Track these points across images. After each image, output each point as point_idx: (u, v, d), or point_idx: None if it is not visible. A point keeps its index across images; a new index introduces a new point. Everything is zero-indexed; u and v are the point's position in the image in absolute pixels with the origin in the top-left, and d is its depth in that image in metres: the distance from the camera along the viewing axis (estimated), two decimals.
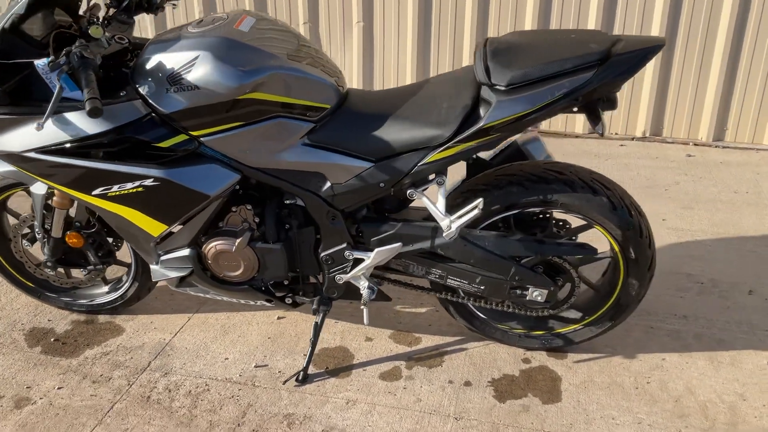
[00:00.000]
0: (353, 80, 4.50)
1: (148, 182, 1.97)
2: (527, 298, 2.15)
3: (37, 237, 2.36)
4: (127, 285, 2.51)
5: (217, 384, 2.26)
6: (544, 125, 4.36)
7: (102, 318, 2.61)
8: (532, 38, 1.96)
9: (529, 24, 4.11)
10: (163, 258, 2.20)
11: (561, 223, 2.19)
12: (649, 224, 2.14)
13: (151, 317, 2.60)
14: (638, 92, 4.13)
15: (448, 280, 2.17)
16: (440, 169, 1.98)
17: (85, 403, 2.19)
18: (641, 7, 3.93)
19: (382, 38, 4.40)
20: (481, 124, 1.87)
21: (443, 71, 4.37)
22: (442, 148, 1.93)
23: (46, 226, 2.34)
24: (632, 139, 4.25)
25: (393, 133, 1.97)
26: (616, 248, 2.10)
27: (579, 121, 4.29)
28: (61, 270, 2.48)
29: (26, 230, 2.43)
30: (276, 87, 1.90)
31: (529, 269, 2.10)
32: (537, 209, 2.09)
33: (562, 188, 2.02)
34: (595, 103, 1.91)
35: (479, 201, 1.96)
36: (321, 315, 2.28)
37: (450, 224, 1.98)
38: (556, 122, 4.33)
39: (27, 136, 1.96)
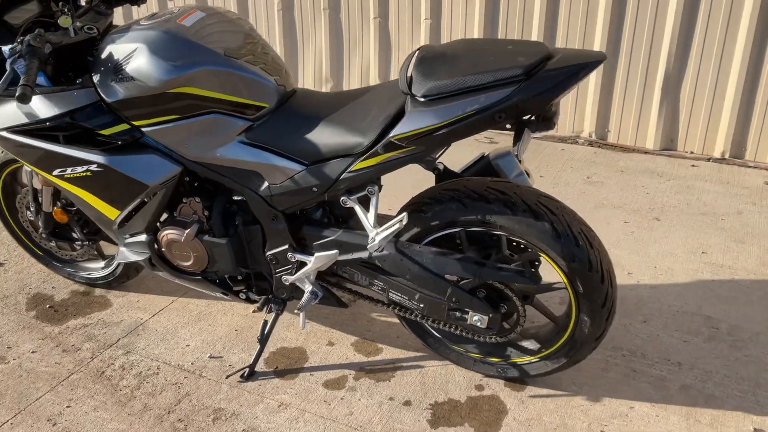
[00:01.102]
0: None
1: (93, 167, 2.04)
2: (467, 322, 2.02)
3: (30, 210, 2.53)
4: (115, 263, 2.62)
5: (167, 369, 2.32)
6: (612, 137, 4.06)
7: (98, 291, 2.76)
8: (465, 48, 1.82)
9: (599, 28, 3.83)
10: (127, 240, 2.28)
11: (522, 246, 2.03)
12: (606, 257, 1.93)
13: (139, 296, 2.71)
14: (719, 108, 3.73)
15: (390, 294, 2.08)
16: (370, 177, 1.90)
17: (48, 370, 2.32)
18: (727, 8, 3.54)
19: (449, 36, 4.29)
20: (389, 135, 1.77)
21: None
22: (363, 158, 1.85)
23: (39, 200, 2.50)
24: (708, 159, 3.85)
25: (324, 137, 1.91)
26: (564, 280, 1.92)
27: (650, 136, 3.94)
28: (59, 242, 2.64)
29: (27, 202, 2.61)
30: (209, 83, 1.90)
31: (467, 292, 1.97)
32: (479, 229, 1.95)
33: (502, 209, 1.87)
34: (526, 121, 1.74)
35: (403, 215, 1.86)
36: (273, 314, 2.27)
37: (375, 236, 1.89)
38: (625, 136, 4.01)
39: (1, 117, 2.10)
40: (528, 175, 2.09)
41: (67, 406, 2.16)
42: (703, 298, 2.62)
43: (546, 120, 1.75)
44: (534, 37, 4.01)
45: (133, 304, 2.67)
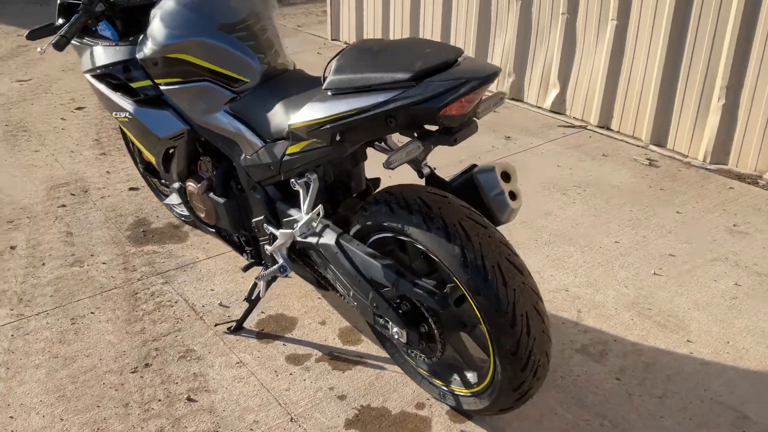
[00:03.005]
0: (600, 80, 4.05)
1: (128, 114, 2.34)
2: (389, 332, 1.94)
3: (130, 147, 2.96)
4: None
5: (181, 305, 2.59)
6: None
7: (186, 228, 3.14)
8: (393, 46, 1.71)
9: None
10: (171, 185, 2.58)
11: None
12: (528, 301, 1.69)
13: (211, 239, 3.03)
14: None
15: (337, 285, 2.08)
16: (303, 164, 1.90)
17: (102, 280, 2.75)
18: None
19: (634, 39, 3.87)
20: (287, 124, 1.75)
21: (695, 80, 3.68)
22: (290, 143, 1.86)
23: None
24: None
25: (276, 118, 1.96)
26: (477, 314, 1.73)
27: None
28: (150, 178, 3.06)
29: None
30: (201, 52, 2.06)
31: (386, 301, 1.88)
32: (405, 238, 1.84)
33: (419, 222, 1.75)
34: (427, 132, 1.60)
35: (319, 207, 1.84)
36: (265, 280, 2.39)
37: (295, 223, 1.91)
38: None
39: (84, 61, 2.51)
40: (514, 196, 1.91)
41: (91, 312, 2.54)
42: (758, 400, 2.12)
43: (447, 134, 1.59)
44: (727, 40, 3.43)
45: (201, 245, 2.98)
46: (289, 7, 7.41)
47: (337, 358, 2.31)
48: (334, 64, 1.73)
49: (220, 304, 2.59)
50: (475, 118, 1.72)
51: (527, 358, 1.71)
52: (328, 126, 1.70)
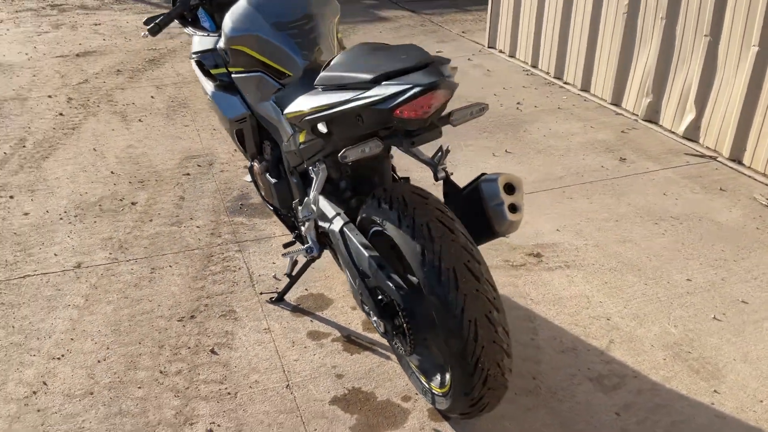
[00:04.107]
0: (736, 109, 3.75)
1: (209, 97, 2.65)
2: (371, 319, 2.05)
3: None
4: None
5: (242, 272, 2.87)
6: None
7: None
8: (382, 49, 1.80)
9: None
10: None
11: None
12: (477, 310, 1.72)
13: None
14: None
15: (344, 268, 2.22)
16: (312, 154, 2.06)
17: (189, 240, 3.12)
18: None
19: None
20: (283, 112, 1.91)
21: None
22: (298, 132, 2.02)
23: None
24: None
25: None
26: (435, 316, 1.79)
27: None
28: None
29: None
30: (256, 46, 2.30)
31: (368, 289, 1.99)
32: (383, 231, 1.94)
33: (394, 218, 1.84)
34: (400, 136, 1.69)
35: (314, 194, 1.99)
36: (304, 257, 2.59)
37: (300, 208, 2.08)
38: None
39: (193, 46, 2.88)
40: (515, 209, 1.95)
41: (169, 266, 2.92)
42: None
43: (408, 136, 1.66)
44: None
45: (280, 223, 3.25)
46: (463, 13, 7.55)
47: (352, 341, 2.45)
48: (331, 62, 1.88)
49: (274, 277, 2.83)
50: (450, 124, 1.78)
51: (474, 364, 1.74)
52: (306, 118, 1.85)
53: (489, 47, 6.15)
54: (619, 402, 2.17)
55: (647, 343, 2.43)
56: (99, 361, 2.35)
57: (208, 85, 2.65)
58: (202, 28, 2.71)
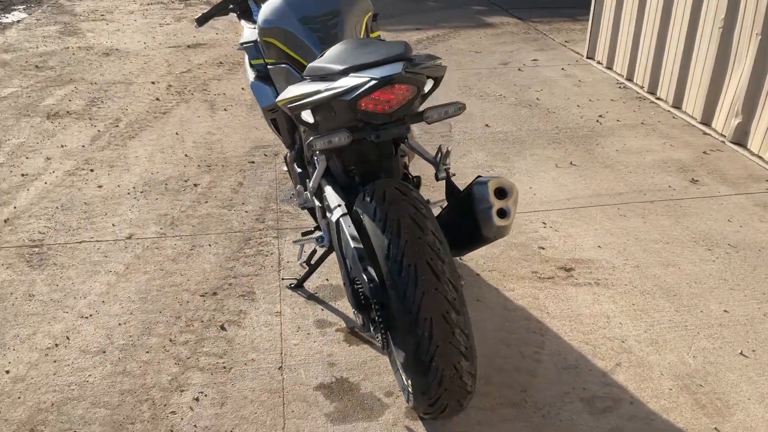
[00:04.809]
0: None
1: (249, 86, 2.78)
2: (353, 309, 2.08)
3: None
4: None
5: (273, 257, 2.99)
6: None
7: None
8: (368, 44, 1.82)
9: None
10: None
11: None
12: (435, 308, 1.71)
13: None
14: None
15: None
16: (309, 142, 2.12)
17: (234, 223, 3.27)
18: None
19: None
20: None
21: None
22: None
23: None
24: None
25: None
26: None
27: None
28: None
29: None
30: (283, 39, 2.40)
31: (349, 279, 2.03)
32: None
33: (370, 212, 1.87)
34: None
35: (307, 182, 2.04)
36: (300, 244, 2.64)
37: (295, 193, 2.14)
38: None
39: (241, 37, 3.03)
40: (504, 214, 1.94)
41: (209, 245, 3.08)
42: None
43: (375, 129, 1.68)
44: None
45: None
46: (572, 23, 7.36)
47: (354, 333, 2.49)
48: (323, 53, 1.93)
49: (301, 264, 2.92)
50: (425, 121, 1.78)
51: (428, 363, 1.74)
52: (288, 105, 1.91)
53: (587, 58, 5.97)
54: (605, 426, 2.07)
55: (657, 370, 2.30)
56: (120, 324, 2.53)
57: (249, 75, 2.78)
58: (253, 21, 2.85)
